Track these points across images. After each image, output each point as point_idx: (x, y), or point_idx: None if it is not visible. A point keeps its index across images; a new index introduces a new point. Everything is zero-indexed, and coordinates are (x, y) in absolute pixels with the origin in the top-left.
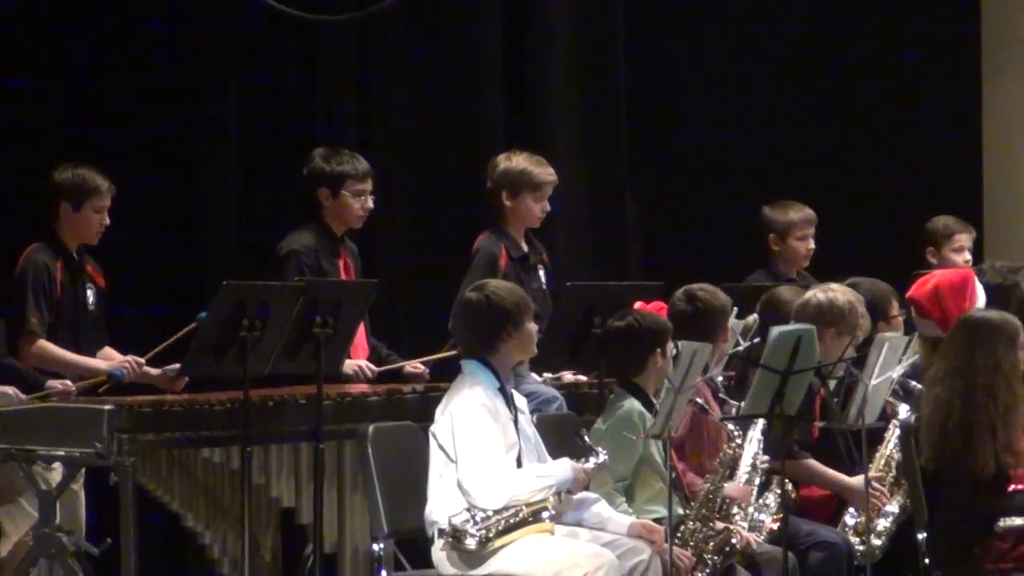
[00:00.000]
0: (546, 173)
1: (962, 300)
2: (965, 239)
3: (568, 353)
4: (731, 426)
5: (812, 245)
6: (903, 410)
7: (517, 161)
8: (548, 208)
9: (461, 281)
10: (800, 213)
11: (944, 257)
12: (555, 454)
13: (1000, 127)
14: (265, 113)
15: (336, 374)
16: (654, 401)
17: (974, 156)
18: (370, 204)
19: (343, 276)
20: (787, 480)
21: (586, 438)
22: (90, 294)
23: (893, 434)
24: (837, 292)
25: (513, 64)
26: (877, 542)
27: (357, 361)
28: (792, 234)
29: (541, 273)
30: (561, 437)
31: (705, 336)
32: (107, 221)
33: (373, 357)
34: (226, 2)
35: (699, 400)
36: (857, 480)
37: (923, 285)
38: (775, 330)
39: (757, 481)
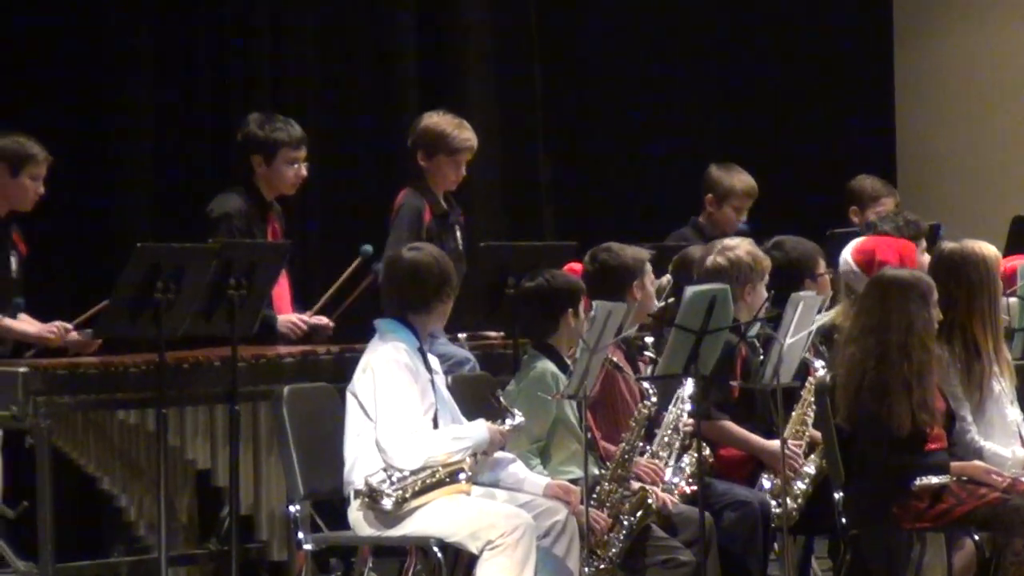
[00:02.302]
0: (464, 138)
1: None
2: (890, 203)
3: (482, 313)
4: (646, 385)
5: (744, 218)
6: (819, 366)
7: (437, 121)
8: (463, 173)
9: (377, 239)
10: (744, 184)
11: (867, 218)
12: (470, 415)
13: (913, 86)
14: (179, 78)
15: (250, 334)
16: (568, 362)
17: (887, 115)
18: (304, 172)
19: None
20: (704, 444)
21: (501, 399)
22: (13, 260)
23: (810, 393)
24: (735, 248)
25: (427, 24)
26: (793, 504)
27: (289, 316)
28: (729, 201)
29: (458, 233)
30: (476, 398)
31: (613, 295)
32: (42, 190)
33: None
34: None
35: (613, 359)
36: (773, 443)
37: (864, 244)
38: (689, 290)
39: (677, 444)
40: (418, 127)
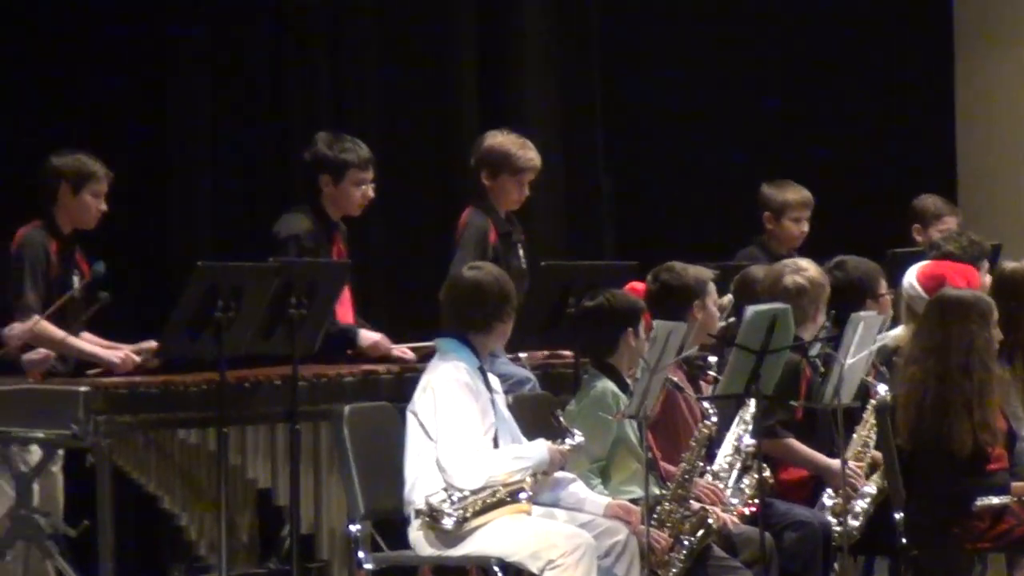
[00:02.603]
0: (528, 158)
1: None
2: (952, 222)
3: (542, 333)
4: (706, 404)
5: (806, 228)
6: (881, 389)
7: (501, 141)
8: (527, 193)
9: (437, 257)
10: (797, 195)
11: (930, 237)
12: (530, 435)
13: (974, 105)
14: (238, 96)
15: (311, 353)
16: (628, 381)
17: (948, 135)
18: (371, 193)
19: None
20: (764, 465)
21: (562, 419)
22: (76, 280)
23: (871, 415)
24: (808, 268)
25: (487, 42)
26: (855, 523)
27: (373, 334)
28: (787, 214)
29: (520, 251)
30: (536, 417)
31: (674, 315)
32: (104, 207)
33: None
34: None
35: (674, 379)
36: (836, 461)
37: (932, 269)
38: (751, 309)
39: (738, 464)
40: (482, 146)
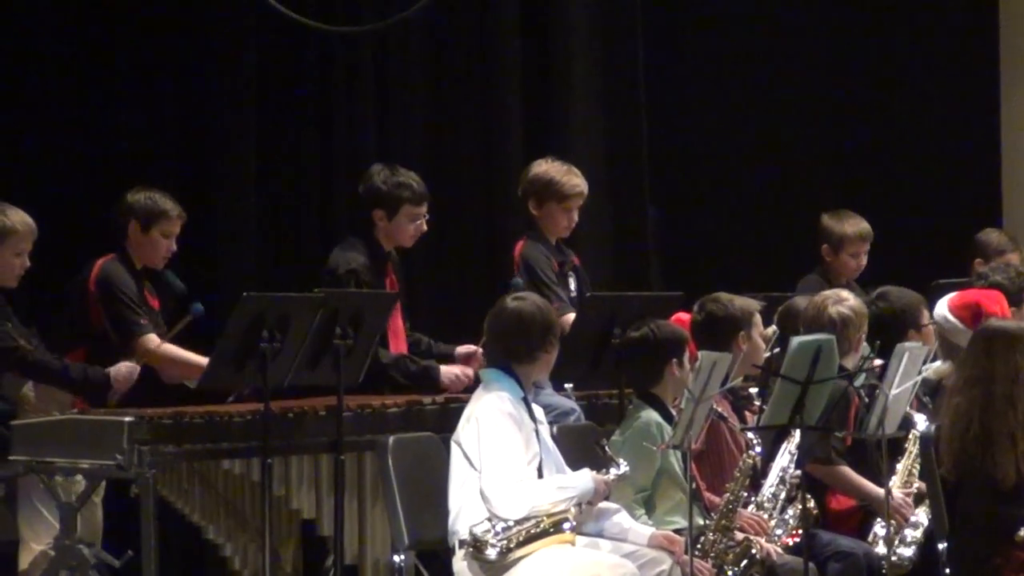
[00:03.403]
0: (573, 184)
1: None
2: (1015, 257)
3: (588, 364)
4: (751, 435)
5: (864, 261)
6: (920, 420)
7: (546, 169)
8: (575, 219)
9: (481, 287)
10: (856, 228)
11: None
12: (574, 465)
13: (1019, 137)
14: (283, 125)
15: (356, 383)
16: (672, 412)
17: (993, 167)
18: (424, 227)
19: None
20: (809, 496)
21: (606, 449)
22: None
23: (914, 444)
24: (849, 299)
25: (532, 72)
26: (907, 552)
27: (453, 369)
28: (846, 249)
29: (572, 281)
30: (581, 448)
31: (720, 345)
32: (174, 247)
33: (414, 350)
34: (243, 16)
35: (718, 409)
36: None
37: (965, 298)
38: (795, 340)
39: (783, 495)
40: (528, 176)
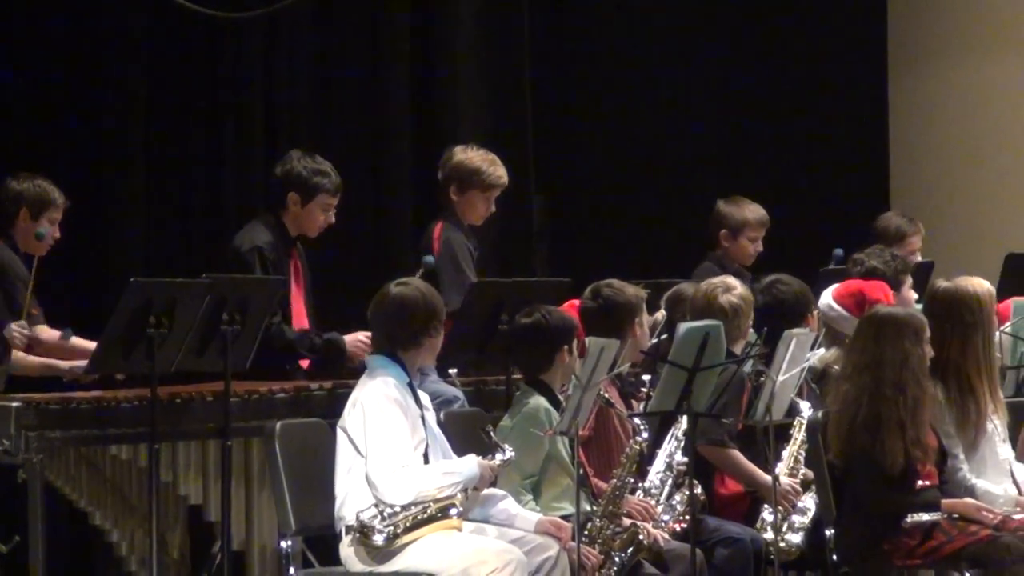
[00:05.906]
0: (498, 175)
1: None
2: (917, 241)
3: (475, 349)
4: (638, 421)
5: (760, 247)
6: (805, 407)
7: (471, 157)
8: (493, 210)
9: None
10: (756, 214)
11: None
12: (461, 451)
13: (906, 122)
14: (171, 109)
15: (243, 370)
16: (560, 398)
17: (881, 152)
18: (332, 219)
19: (293, 278)
20: (696, 482)
21: (492, 435)
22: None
23: (799, 431)
24: (737, 287)
25: (419, 59)
26: (795, 538)
27: (357, 335)
28: (744, 233)
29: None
30: (467, 434)
31: (613, 332)
32: (57, 234)
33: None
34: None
35: (605, 395)
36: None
37: (849, 287)
38: (683, 326)
39: (670, 481)
40: (451, 162)
